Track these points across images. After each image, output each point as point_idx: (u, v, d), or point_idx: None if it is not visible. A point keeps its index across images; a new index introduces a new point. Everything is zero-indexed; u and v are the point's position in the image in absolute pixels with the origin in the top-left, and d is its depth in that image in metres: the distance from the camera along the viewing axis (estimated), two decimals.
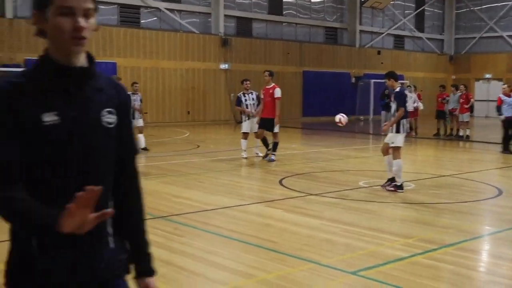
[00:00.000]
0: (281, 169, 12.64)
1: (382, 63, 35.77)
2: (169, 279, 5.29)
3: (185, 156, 15.08)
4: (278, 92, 13.53)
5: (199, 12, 28.31)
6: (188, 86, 27.31)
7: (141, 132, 14.97)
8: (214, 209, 8.44)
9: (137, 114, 14.83)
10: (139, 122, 14.94)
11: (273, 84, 13.78)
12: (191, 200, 9.07)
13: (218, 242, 6.73)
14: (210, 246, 6.52)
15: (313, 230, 7.20)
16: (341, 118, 11.33)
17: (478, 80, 38.62)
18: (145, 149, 15.12)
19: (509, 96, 16.13)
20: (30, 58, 21.82)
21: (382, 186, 10.11)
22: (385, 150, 10.09)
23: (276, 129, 13.56)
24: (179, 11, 27.61)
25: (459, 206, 8.97)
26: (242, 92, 14.40)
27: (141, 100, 15.39)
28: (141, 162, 12.75)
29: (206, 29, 28.45)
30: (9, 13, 22.13)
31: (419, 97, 21.62)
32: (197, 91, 27.63)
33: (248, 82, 14.36)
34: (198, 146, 17.33)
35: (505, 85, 17.26)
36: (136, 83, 15.87)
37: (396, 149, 9.77)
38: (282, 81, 30.43)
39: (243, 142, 14.03)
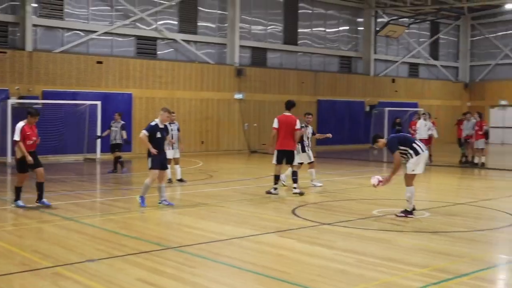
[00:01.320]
0: (295, 198, 12.59)
1: (396, 91, 35.91)
2: None
3: (198, 186, 15.09)
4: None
5: (215, 43, 28.60)
6: (202, 116, 27.46)
7: (177, 163, 15.17)
8: (226, 240, 8.42)
9: (174, 145, 14.90)
10: (176, 153, 15.05)
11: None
12: (203, 231, 9.05)
13: (231, 273, 6.70)
14: (222, 277, 6.49)
15: (326, 260, 7.14)
16: (379, 183, 10.32)
17: (493, 107, 38.45)
18: (181, 180, 15.16)
19: None
20: (48, 90, 22.22)
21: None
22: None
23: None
24: (195, 42, 27.94)
25: (474, 234, 8.86)
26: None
27: (178, 129, 15.28)
28: (155, 193, 12.74)
29: (221, 60, 28.73)
30: (29, 46, 22.49)
31: (433, 124, 21.57)
32: (211, 121, 27.77)
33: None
34: (211, 176, 17.34)
35: None
36: (173, 112, 15.61)
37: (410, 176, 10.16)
38: (296, 110, 30.46)
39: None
